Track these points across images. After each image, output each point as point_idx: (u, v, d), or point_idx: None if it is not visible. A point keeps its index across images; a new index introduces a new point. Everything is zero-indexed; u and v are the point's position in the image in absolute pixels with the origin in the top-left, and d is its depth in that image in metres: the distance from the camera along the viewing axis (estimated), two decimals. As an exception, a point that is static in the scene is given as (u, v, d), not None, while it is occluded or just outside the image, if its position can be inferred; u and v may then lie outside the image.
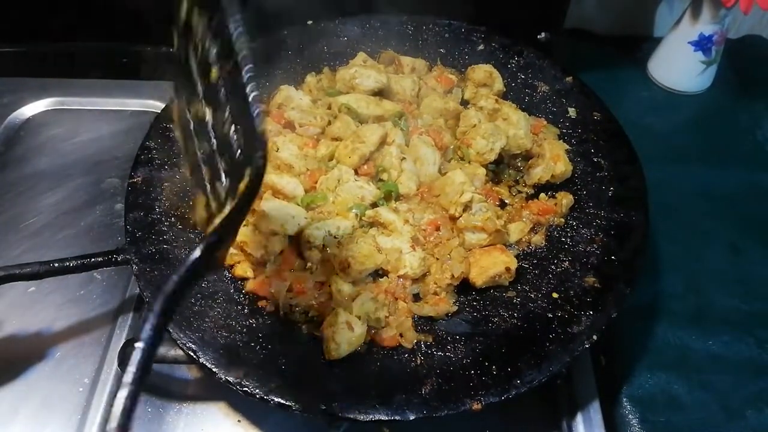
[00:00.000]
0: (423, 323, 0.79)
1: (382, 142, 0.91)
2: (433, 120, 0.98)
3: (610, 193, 0.89)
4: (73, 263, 0.78)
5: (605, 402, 0.81)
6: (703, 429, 0.80)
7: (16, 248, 0.97)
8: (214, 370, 0.69)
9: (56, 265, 0.77)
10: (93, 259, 0.79)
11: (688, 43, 1.18)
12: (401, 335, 0.76)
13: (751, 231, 1.01)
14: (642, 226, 0.83)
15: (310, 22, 1.09)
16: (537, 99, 1.03)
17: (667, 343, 0.87)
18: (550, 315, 0.77)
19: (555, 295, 0.79)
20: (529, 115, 0.99)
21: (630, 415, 0.81)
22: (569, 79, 1.03)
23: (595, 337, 0.73)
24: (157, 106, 1.17)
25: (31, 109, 1.18)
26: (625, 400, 0.82)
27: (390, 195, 0.87)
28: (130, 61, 1.24)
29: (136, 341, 0.47)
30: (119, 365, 0.80)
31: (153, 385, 0.83)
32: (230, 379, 0.68)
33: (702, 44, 1.17)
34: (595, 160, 0.93)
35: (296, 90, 0.99)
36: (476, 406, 0.67)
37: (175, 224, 0.84)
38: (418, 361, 0.74)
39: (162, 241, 0.81)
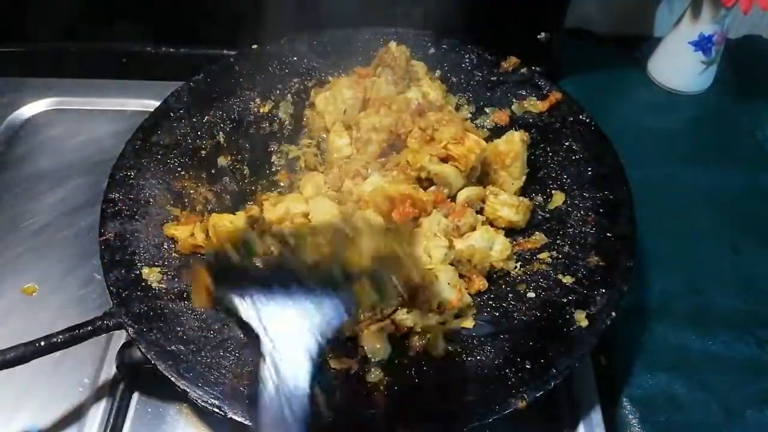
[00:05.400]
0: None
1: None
2: None
3: (589, 173, 0.90)
4: (60, 338, 0.70)
5: (605, 402, 0.81)
6: (703, 429, 0.80)
7: (16, 248, 0.97)
8: (246, 423, 0.66)
9: (42, 343, 0.70)
10: (82, 330, 0.71)
11: (688, 43, 1.18)
12: (431, 347, 0.75)
13: (751, 231, 1.01)
14: (627, 200, 0.85)
15: (255, 46, 1.05)
16: (498, 94, 1.03)
17: (667, 343, 0.87)
18: (565, 300, 0.77)
19: (564, 279, 0.80)
20: (494, 109, 1.01)
21: (630, 415, 0.81)
22: (524, 70, 1.02)
23: (614, 314, 0.73)
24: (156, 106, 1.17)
25: (31, 109, 1.18)
26: (625, 400, 0.82)
27: None
28: (130, 61, 1.24)
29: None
30: (117, 367, 0.79)
31: (153, 385, 0.83)
32: None
33: (702, 44, 1.17)
34: (566, 144, 0.94)
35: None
36: (522, 404, 0.67)
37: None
38: (453, 370, 0.73)
39: (152, 296, 0.77)
